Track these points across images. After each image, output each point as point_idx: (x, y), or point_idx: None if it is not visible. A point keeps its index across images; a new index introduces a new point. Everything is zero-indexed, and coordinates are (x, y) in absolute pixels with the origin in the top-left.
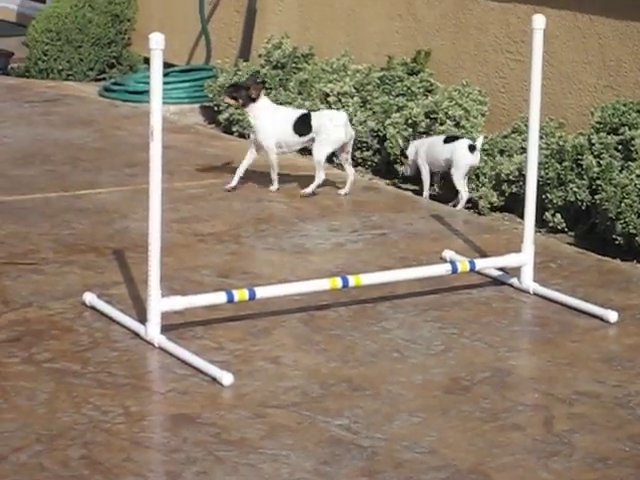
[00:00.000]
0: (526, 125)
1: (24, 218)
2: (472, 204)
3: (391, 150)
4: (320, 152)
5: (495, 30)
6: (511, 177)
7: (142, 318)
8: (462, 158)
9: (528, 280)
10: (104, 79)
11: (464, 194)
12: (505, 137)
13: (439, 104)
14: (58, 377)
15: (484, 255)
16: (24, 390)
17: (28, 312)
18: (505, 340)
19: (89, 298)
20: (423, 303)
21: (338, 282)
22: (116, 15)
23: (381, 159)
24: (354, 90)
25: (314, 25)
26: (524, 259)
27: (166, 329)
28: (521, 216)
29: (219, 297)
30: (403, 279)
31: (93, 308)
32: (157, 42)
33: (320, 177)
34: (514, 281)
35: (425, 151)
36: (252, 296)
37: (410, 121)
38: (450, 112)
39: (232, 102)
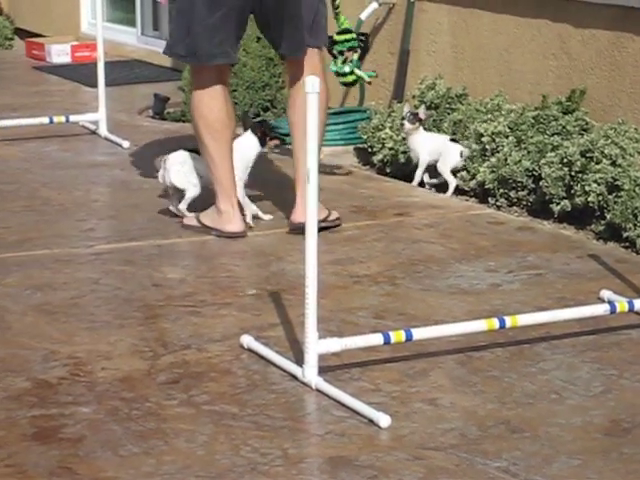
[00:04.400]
0: None
1: (181, 261)
2: (629, 243)
3: (547, 189)
4: None
5: None
6: None
7: (299, 360)
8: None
9: None
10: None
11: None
12: None
13: (595, 143)
14: (217, 419)
15: None
16: (183, 432)
17: (187, 354)
18: None
19: (246, 340)
20: (581, 344)
21: (495, 323)
22: (270, 58)
23: (536, 199)
24: (508, 130)
25: (467, 65)
26: None
27: (323, 371)
28: None
29: (376, 339)
30: (560, 319)
31: (250, 350)
32: (312, 85)
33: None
34: None
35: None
36: (409, 337)
37: (565, 160)
38: (606, 151)
39: None
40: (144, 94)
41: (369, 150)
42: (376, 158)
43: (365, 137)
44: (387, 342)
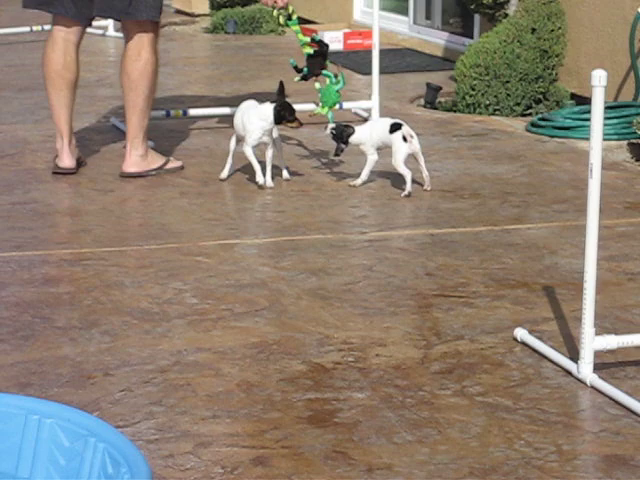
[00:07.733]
0: None
1: (454, 251)
2: None
3: None
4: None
5: None
6: None
7: (573, 356)
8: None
9: None
10: (530, 114)
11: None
12: None
13: None
14: (489, 411)
15: None
16: (457, 423)
17: (460, 345)
18: None
19: (520, 334)
20: None
21: None
22: (544, 51)
23: None
24: None
25: None
26: None
27: (597, 368)
28: None
29: None
30: None
31: (524, 344)
32: (599, 79)
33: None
34: None
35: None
36: None
37: None
38: None
39: None
40: (415, 83)
41: None
42: None
43: (639, 132)
44: None
